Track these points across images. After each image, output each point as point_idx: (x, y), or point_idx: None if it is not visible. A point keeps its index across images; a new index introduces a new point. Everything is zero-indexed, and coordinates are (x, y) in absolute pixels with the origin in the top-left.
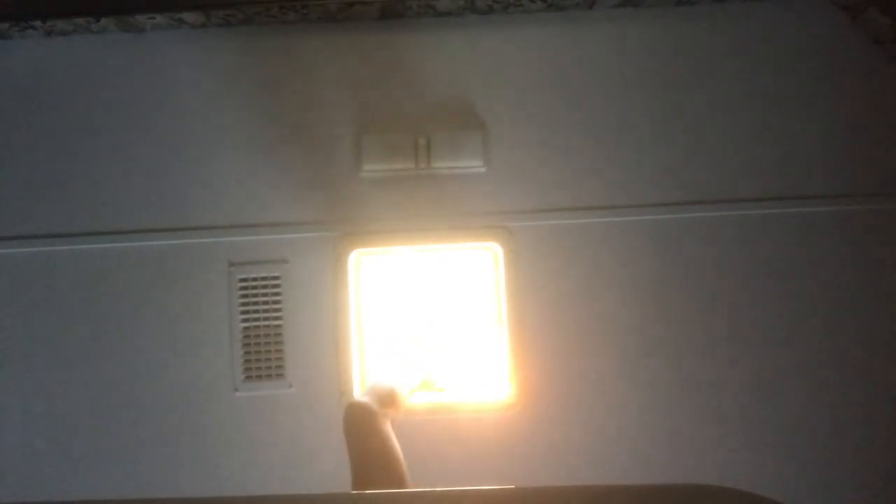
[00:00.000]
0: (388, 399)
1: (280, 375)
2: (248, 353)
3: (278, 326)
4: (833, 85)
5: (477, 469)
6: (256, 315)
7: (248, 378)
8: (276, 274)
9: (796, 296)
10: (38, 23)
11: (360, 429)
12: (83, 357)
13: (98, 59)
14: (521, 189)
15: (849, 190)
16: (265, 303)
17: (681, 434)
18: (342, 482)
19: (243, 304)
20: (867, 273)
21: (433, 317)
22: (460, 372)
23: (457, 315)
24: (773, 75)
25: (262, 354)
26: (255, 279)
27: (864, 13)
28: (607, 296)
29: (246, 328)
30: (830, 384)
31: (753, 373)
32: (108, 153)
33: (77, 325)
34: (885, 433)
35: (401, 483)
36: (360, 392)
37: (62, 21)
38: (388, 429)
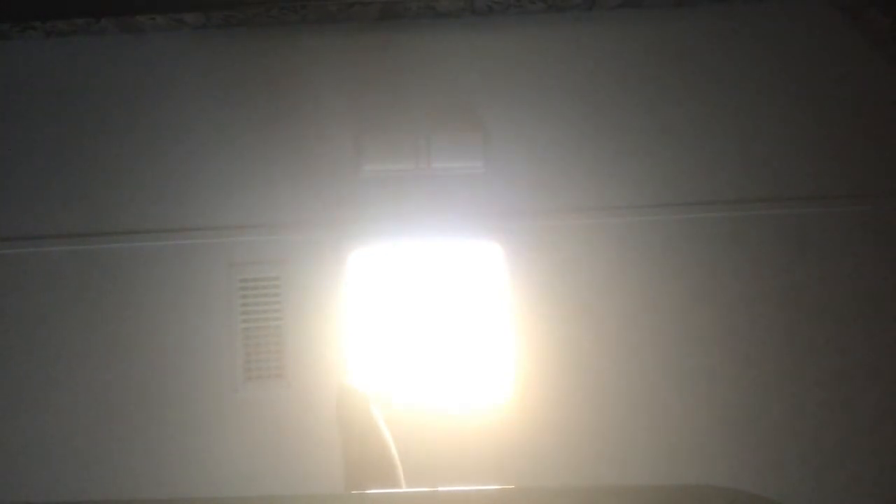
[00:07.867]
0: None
1: (280, 375)
2: (248, 353)
3: (278, 327)
4: (833, 85)
5: (477, 468)
6: (256, 315)
7: (249, 378)
8: (276, 274)
9: (795, 295)
10: (38, 23)
11: (353, 413)
12: (83, 357)
13: (98, 59)
14: (520, 189)
15: (848, 190)
16: (265, 303)
17: (681, 434)
18: (342, 482)
19: (243, 304)
20: (867, 272)
21: (432, 317)
22: (460, 371)
23: (456, 315)
24: (772, 75)
25: (262, 354)
26: (255, 279)
27: (864, 13)
28: (606, 295)
29: (246, 328)
30: (831, 383)
31: (754, 373)
32: (108, 153)
33: (77, 324)
34: (886, 432)
35: (392, 466)
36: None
37: (62, 22)
38: (378, 414)
